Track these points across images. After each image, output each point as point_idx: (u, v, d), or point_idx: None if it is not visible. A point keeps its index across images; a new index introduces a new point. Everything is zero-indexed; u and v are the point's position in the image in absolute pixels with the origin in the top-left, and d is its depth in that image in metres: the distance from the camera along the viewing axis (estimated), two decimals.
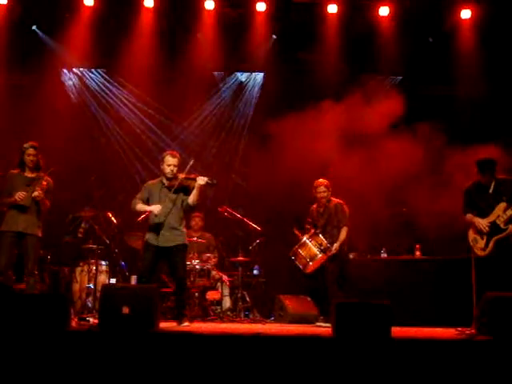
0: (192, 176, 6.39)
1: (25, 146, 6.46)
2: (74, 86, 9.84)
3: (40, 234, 6.45)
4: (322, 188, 7.24)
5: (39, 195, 6.30)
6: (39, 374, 4.58)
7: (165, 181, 6.51)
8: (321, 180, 7.31)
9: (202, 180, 6.28)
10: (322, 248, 7.00)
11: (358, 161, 8.23)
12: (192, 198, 6.37)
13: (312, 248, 7.03)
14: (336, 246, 7.06)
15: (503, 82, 9.04)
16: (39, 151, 6.48)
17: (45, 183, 6.40)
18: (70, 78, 9.84)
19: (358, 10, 9.16)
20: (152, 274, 6.42)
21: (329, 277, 7.05)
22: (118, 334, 4.93)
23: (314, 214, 7.39)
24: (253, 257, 8.45)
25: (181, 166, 6.50)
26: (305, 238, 7.10)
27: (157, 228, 6.40)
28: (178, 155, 6.52)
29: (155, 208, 6.35)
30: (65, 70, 9.76)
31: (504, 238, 6.15)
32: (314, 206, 7.42)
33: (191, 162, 6.42)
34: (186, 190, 6.43)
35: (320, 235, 7.08)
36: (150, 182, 6.66)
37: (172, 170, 6.44)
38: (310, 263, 7.03)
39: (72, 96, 9.82)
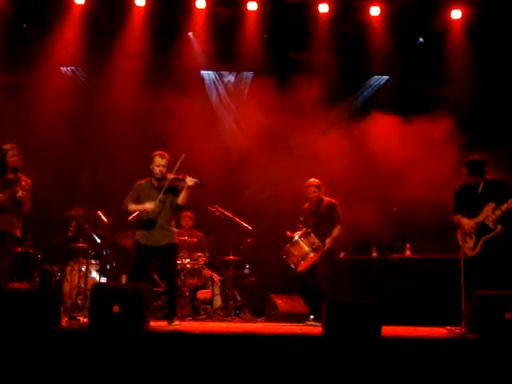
0: (180, 177, 6.42)
1: (5, 147, 6.32)
2: (67, 84, 9.79)
3: (19, 234, 6.35)
4: (313, 188, 7.29)
5: (23, 195, 6.18)
6: (29, 372, 4.58)
7: (154, 181, 6.53)
8: (311, 180, 7.35)
9: (190, 181, 6.34)
10: (314, 247, 7.01)
11: (347, 158, 8.29)
12: (181, 199, 6.44)
13: (304, 247, 7.04)
14: (328, 241, 7.09)
15: (493, 82, 9.09)
16: (19, 152, 6.34)
17: (24, 183, 6.24)
18: (63, 76, 9.79)
19: (348, 10, 9.18)
20: (142, 273, 6.45)
21: (320, 276, 7.07)
22: (109, 333, 4.93)
23: (305, 212, 7.42)
24: (244, 256, 8.46)
25: (171, 163, 6.48)
26: (297, 237, 7.11)
27: (147, 228, 6.44)
28: (166, 156, 6.52)
29: (148, 206, 6.37)
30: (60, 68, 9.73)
31: (493, 238, 6.17)
32: (306, 205, 7.44)
33: (182, 157, 6.40)
34: (175, 191, 6.47)
35: (312, 234, 7.10)
36: (139, 183, 6.65)
37: (161, 171, 6.47)
38: (302, 262, 7.05)
39: (64, 94, 9.76)
